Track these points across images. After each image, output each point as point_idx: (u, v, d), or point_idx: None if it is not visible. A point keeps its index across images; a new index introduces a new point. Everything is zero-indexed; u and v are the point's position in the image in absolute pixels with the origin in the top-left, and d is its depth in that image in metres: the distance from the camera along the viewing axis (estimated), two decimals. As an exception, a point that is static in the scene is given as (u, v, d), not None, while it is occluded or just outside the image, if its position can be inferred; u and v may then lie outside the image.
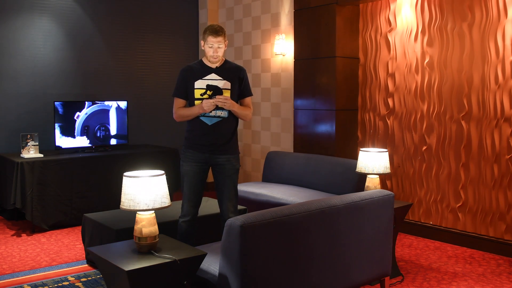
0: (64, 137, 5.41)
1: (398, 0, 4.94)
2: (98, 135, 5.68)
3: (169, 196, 2.69)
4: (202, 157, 3.42)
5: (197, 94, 3.39)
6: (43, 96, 5.80)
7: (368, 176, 3.74)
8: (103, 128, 5.72)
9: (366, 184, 3.74)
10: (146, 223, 2.62)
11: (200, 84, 3.39)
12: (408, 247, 4.50)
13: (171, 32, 6.88)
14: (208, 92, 3.38)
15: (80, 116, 5.52)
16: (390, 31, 5.04)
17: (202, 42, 3.39)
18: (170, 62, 6.87)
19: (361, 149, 3.81)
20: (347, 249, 2.85)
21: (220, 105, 3.31)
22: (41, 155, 5.15)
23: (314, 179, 4.83)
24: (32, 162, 4.91)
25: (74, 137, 5.47)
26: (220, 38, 3.32)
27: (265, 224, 2.44)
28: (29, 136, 5.17)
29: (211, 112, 3.36)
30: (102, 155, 5.43)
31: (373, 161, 3.69)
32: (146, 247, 2.63)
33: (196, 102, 3.39)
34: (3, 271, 3.85)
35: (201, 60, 3.48)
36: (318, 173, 4.82)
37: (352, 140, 5.35)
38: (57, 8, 5.90)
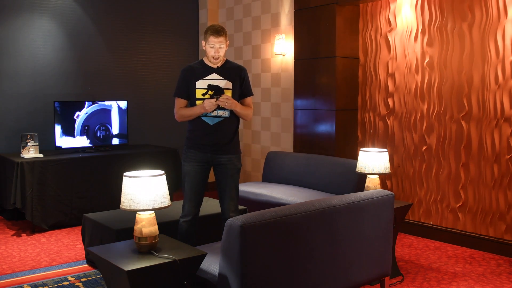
0: (64, 137, 5.41)
1: (398, 0, 4.94)
2: (98, 135, 5.68)
3: (169, 196, 2.69)
4: (204, 157, 3.42)
5: (198, 94, 3.39)
6: (43, 96, 5.80)
7: (368, 176, 3.74)
8: (103, 128, 5.72)
9: (366, 184, 3.74)
10: (146, 223, 2.62)
11: (201, 84, 3.39)
12: (408, 247, 4.50)
13: (171, 32, 6.88)
14: (210, 92, 3.38)
15: (80, 116, 5.52)
16: (390, 31, 5.04)
17: (203, 42, 3.39)
18: (170, 62, 6.87)
19: (361, 149, 3.81)
20: (347, 249, 2.85)
21: (221, 105, 3.32)
22: (41, 155, 5.15)
23: (314, 179, 4.83)
24: (32, 162, 4.91)
25: (74, 136, 5.47)
26: (221, 38, 3.32)
27: (265, 224, 2.44)
28: (29, 136, 5.17)
29: (212, 112, 3.36)
30: (102, 155, 5.43)
31: (373, 161, 3.69)
32: (146, 247, 2.63)
33: (198, 102, 3.39)
34: (3, 271, 3.85)
35: (202, 60, 3.48)
36: (318, 173, 4.82)
37: (352, 140, 5.35)
38: (57, 8, 5.90)
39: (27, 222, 5.16)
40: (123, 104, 5.85)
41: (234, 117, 3.47)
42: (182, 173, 3.47)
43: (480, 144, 4.39)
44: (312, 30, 5.36)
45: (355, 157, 5.06)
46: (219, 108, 3.36)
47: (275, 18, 6.10)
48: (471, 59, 4.41)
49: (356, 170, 3.81)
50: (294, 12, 5.60)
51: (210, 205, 4.21)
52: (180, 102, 3.47)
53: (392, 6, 5.00)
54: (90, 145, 5.60)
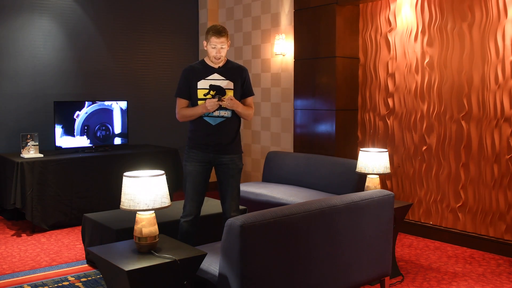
0: (64, 137, 5.41)
1: (398, 0, 4.94)
2: (98, 135, 5.68)
3: (169, 196, 2.69)
4: (206, 157, 3.43)
5: (200, 94, 3.40)
6: (43, 96, 5.80)
7: (368, 176, 3.74)
8: (103, 128, 5.72)
9: (366, 184, 3.74)
10: (146, 223, 2.62)
11: (203, 84, 3.40)
12: (408, 247, 4.50)
13: (171, 32, 6.88)
14: (211, 92, 3.39)
15: (80, 115, 5.52)
16: (390, 31, 5.04)
17: (204, 43, 3.40)
18: (170, 62, 6.87)
19: (361, 149, 3.81)
20: (347, 249, 2.85)
21: (224, 105, 3.33)
22: (41, 155, 5.15)
23: (314, 179, 4.83)
24: (32, 162, 4.91)
25: (73, 136, 5.47)
26: (223, 39, 3.34)
27: (265, 224, 2.44)
28: (29, 136, 5.17)
29: (214, 112, 3.37)
30: (102, 155, 5.43)
31: (373, 161, 3.69)
32: (146, 247, 2.63)
33: (200, 102, 3.40)
34: (3, 271, 3.85)
35: (203, 60, 3.49)
36: (318, 173, 4.82)
37: (352, 140, 5.35)
38: (57, 8, 5.90)
39: (27, 222, 5.16)
40: (123, 104, 5.85)
41: (235, 117, 3.48)
42: (184, 173, 3.48)
43: (480, 144, 4.39)
44: (312, 30, 5.36)
45: (355, 157, 5.06)
46: (221, 108, 3.37)
47: (275, 18, 6.10)
48: (471, 59, 4.41)
49: (356, 170, 3.81)
50: (294, 12, 5.60)
51: (211, 205, 4.21)
52: (181, 102, 3.47)
53: (392, 6, 5.00)
54: (90, 145, 5.60)
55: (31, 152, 5.15)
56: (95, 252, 2.68)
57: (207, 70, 3.43)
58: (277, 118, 6.14)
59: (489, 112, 4.32)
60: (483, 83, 4.34)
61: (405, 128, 4.95)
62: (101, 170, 5.35)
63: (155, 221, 2.66)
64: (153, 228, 2.64)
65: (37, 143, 5.20)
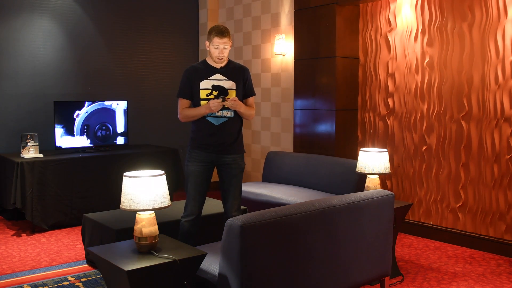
0: (64, 137, 5.41)
1: (398, 0, 4.94)
2: (98, 134, 5.68)
3: (169, 196, 2.69)
4: (208, 157, 3.43)
5: (202, 94, 3.41)
6: (43, 96, 5.80)
7: (368, 176, 3.74)
8: (104, 127, 5.72)
9: (366, 184, 3.74)
10: (146, 223, 2.62)
11: (205, 84, 3.41)
12: (408, 247, 4.50)
13: (171, 32, 6.88)
14: (214, 93, 3.39)
15: (80, 115, 5.52)
16: (390, 31, 5.04)
17: (207, 43, 3.41)
18: (170, 62, 6.87)
19: (361, 149, 3.81)
20: (347, 249, 2.85)
21: (227, 105, 3.33)
22: (41, 155, 5.15)
23: (314, 179, 4.83)
24: (32, 162, 4.91)
25: (73, 135, 5.47)
26: (226, 39, 3.34)
27: (265, 224, 2.44)
28: (29, 136, 5.17)
29: (217, 112, 3.37)
30: (102, 155, 5.43)
31: (373, 161, 3.69)
32: (146, 247, 2.63)
33: (202, 102, 3.40)
34: (3, 271, 3.85)
35: (205, 60, 3.49)
36: (318, 173, 4.82)
37: (352, 140, 5.35)
38: (57, 8, 5.90)
39: (27, 222, 5.16)
40: (123, 104, 5.85)
41: (238, 117, 3.49)
42: (186, 173, 3.48)
43: (480, 144, 4.39)
44: (312, 30, 5.36)
45: (355, 157, 5.06)
46: (224, 108, 3.38)
47: (275, 18, 6.10)
48: (471, 59, 4.41)
49: (356, 170, 3.81)
50: (294, 12, 5.60)
51: (211, 205, 4.21)
52: (183, 103, 3.48)
53: (392, 6, 5.00)
54: (90, 145, 5.60)
55: (31, 152, 5.15)
56: (95, 252, 2.68)
57: (209, 70, 3.43)
58: (277, 118, 6.14)
59: (489, 112, 4.32)
60: (483, 83, 4.34)
61: (405, 128, 4.95)
62: (101, 170, 5.35)
63: (155, 221, 2.66)
64: (153, 228, 2.64)
65: (37, 143, 5.20)
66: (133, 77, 6.56)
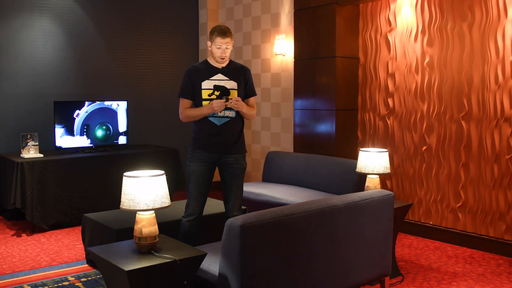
0: (64, 137, 5.41)
1: (398, 0, 4.94)
2: (98, 134, 5.68)
3: (169, 196, 2.69)
4: (211, 157, 3.44)
5: (204, 94, 3.41)
6: (43, 96, 5.80)
7: (368, 176, 3.74)
8: (104, 127, 5.71)
9: (366, 184, 3.74)
10: (146, 223, 2.62)
11: (207, 84, 3.41)
12: (408, 247, 4.50)
13: (171, 32, 6.88)
14: (216, 93, 3.40)
15: (80, 115, 5.52)
16: (390, 31, 5.04)
17: (209, 43, 3.41)
18: (170, 62, 6.87)
19: (361, 149, 3.81)
20: (347, 249, 2.85)
21: (230, 105, 3.34)
22: (41, 155, 5.15)
23: (314, 179, 4.83)
24: (32, 162, 4.91)
25: (73, 135, 5.47)
26: (228, 39, 3.35)
27: (265, 224, 2.44)
28: (29, 136, 5.17)
29: (219, 112, 3.38)
30: (102, 155, 5.43)
31: (373, 161, 3.69)
32: (146, 247, 2.63)
33: (204, 102, 3.40)
34: (3, 271, 3.85)
35: (206, 60, 3.50)
36: (318, 173, 4.82)
37: (352, 140, 5.35)
38: (57, 8, 5.90)
39: (27, 222, 5.16)
40: (123, 104, 5.85)
41: (239, 117, 3.50)
42: (187, 173, 3.48)
43: (480, 144, 4.39)
44: (312, 30, 5.36)
45: (355, 157, 5.06)
46: (226, 108, 3.38)
47: (275, 18, 6.10)
48: (471, 59, 4.41)
49: (356, 170, 3.81)
50: (294, 12, 5.60)
51: (211, 205, 4.21)
52: (185, 103, 3.48)
53: (392, 6, 5.00)
54: (90, 145, 5.60)
55: (31, 152, 5.15)
56: (95, 252, 2.68)
57: (211, 71, 3.44)
58: (277, 118, 6.14)
59: (489, 112, 4.31)
60: (483, 83, 4.34)
61: (405, 128, 4.95)
62: (101, 170, 5.35)
63: (155, 221, 2.66)
64: (153, 228, 2.64)
65: (37, 143, 5.20)
66: (133, 77, 6.56)
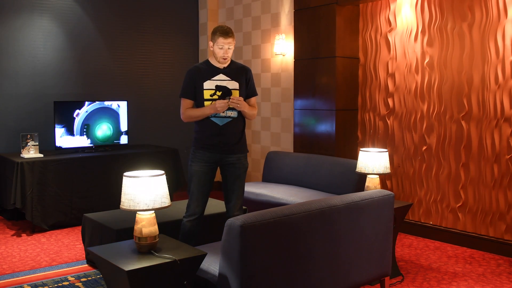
0: (64, 137, 5.41)
1: (398, 0, 4.94)
2: (98, 134, 5.68)
3: (169, 196, 2.69)
4: (213, 157, 3.44)
5: (206, 94, 3.41)
6: (43, 96, 5.80)
7: (368, 176, 3.74)
8: (104, 127, 5.71)
9: (366, 184, 3.74)
10: (146, 223, 2.62)
11: (209, 84, 3.41)
12: (408, 247, 4.50)
13: (171, 32, 6.88)
14: (218, 93, 3.40)
15: (80, 115, 5.52)
16: (390, 31, 5.04)
17: (210, 43, 3.41)
18: (170, 62, 6.87)
19: (361, 149, 3.81)
20: (347, 249, 2.85)
21: (232, 105, 3.34)
22: (41, 155, 5.15)
23: (314, 179, 4.83)
24: (32, 162, 4.91)
25: (73, 135, 5.47)
26: (230, 39, 3.36)
27: (265, 224, 2.44)
28: (29, 136, 5.17)
29: (222, 112, 3.38)
30: (102, 155, 5.43)
31: (373, 161, 3.69)
32: (146, 247, 2.63)
33: (206, 103, 3.40)
34: (3, 271, 3.85)
35: (208, 61, 3.50)
36: (318, 173, 4.82)
37: (352, 140, 5.35)
38: (57, 8, 5.90)
39: (27, 222, 5.16)
40: (123, 104, 5.85)
41: (241, 117, 3.50)
42: (189, 173, 3.48)
43: (480, 144, 4.39)
44: (312, 30, 5.36)
45: (355, 157, 5.06)
46: (228, 108, 3.38)
47: (275, 18, 6.10)
48: (471, 59, 4.41)
49: (356, 170, 3.81)
50: (294, 12, 5.60)
51: (211, 205, 4.21)
52: (186, 103, 3.48)
53: (392, 6, 5.00)
54: (90, 145, 5.60)
55: (31, 152, 5.15)
56: (95, 252, 2.68)
57: (213, 71, 3.44)
58: (277, 118, 6.14)
59: (489, 112, 4.32)
60: (483, 83, 4.34)
61: (405, 128, 4.95)
62: (101, 170, 5.35)
63: (155, 221, 2.66)
64: (153, 228, 2.64)
65: (37, 143, 5.20)
66: (133, 77, 6.56)
